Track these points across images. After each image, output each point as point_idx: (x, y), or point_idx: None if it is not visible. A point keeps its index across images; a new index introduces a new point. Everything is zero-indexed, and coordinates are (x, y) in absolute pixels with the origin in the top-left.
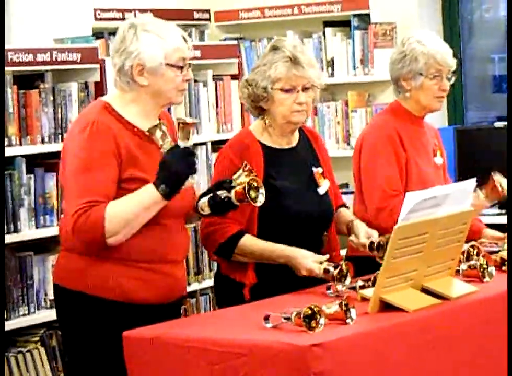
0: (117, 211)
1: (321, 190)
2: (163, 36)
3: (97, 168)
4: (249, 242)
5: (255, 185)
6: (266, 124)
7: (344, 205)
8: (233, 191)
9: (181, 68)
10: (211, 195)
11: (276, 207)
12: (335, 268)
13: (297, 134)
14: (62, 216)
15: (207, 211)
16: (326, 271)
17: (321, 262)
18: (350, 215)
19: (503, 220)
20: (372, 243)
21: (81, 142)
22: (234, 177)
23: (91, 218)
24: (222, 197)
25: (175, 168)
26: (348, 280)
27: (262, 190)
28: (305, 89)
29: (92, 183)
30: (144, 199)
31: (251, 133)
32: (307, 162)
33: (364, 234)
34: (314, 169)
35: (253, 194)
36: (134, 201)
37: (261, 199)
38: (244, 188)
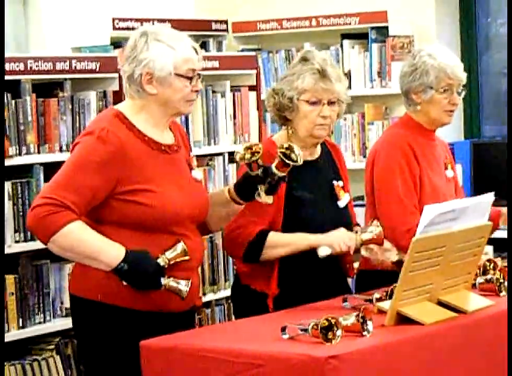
0: (76, 236)
1: (341, 203)
2: (174, 46)
3: (88, 173)
4: (278, 234)
5: (287, 151)
6: (289, 134)
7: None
8: (273, 166)
9: (190, 78)
10: (262, 185)
11: (298, 217)
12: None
13: (319, 147)
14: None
15: (264, 197)
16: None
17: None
18: None
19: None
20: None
21: (86, 142)
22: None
23: (53, 217)
24: (275, 180)
25: (143, 269)
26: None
27: (297, 150)
28: (330, 103)
29: (77, 183)
30: (104, 252)
31: (274, 144)
32: (329, 175)
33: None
34: (335, 182)
35: (293, 156)
36: (94, 244)
37: (300, 155)
38: (281, 158)
